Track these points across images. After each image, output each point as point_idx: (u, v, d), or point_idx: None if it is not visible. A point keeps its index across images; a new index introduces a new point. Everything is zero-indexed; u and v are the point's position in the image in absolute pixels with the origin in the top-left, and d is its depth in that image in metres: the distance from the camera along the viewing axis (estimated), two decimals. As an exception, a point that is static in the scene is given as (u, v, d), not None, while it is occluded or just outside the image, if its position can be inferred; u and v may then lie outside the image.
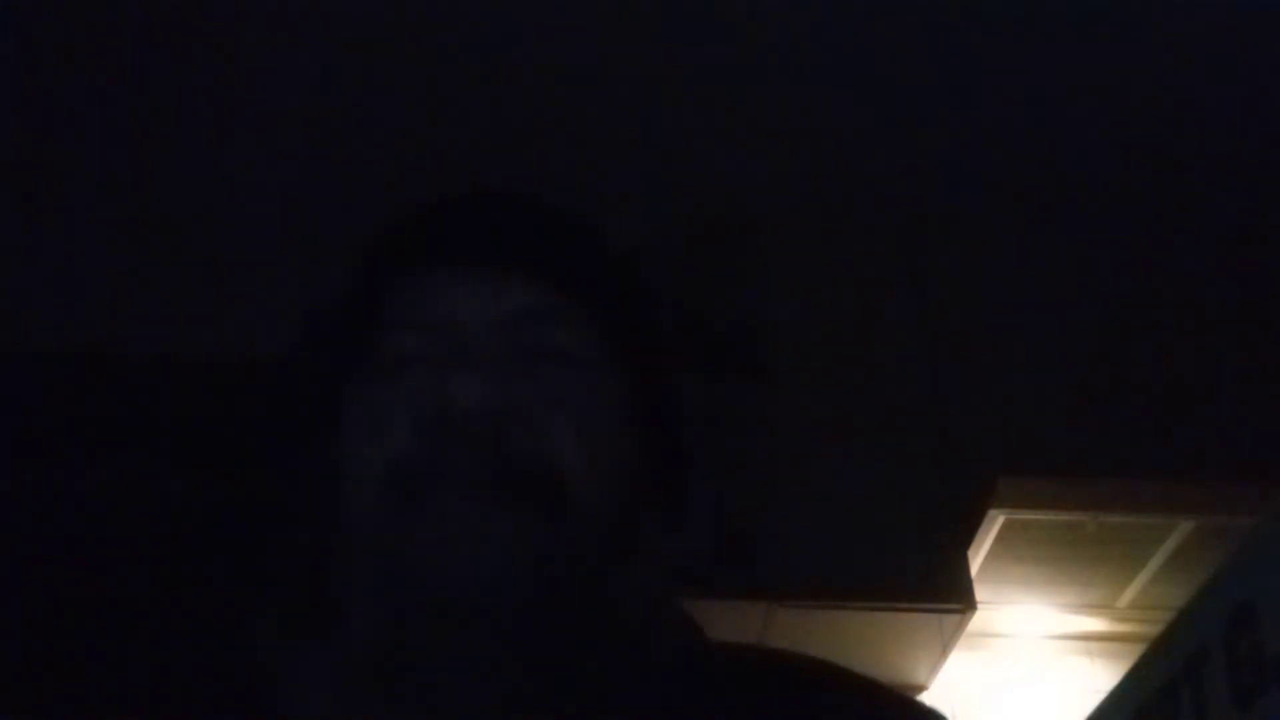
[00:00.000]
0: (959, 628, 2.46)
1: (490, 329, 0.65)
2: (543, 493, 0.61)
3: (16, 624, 1.93)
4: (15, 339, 2.45)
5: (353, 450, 0.64)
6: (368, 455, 0.63)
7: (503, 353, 0.64)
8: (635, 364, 0.69)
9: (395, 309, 0.67)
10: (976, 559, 2.57)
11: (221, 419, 2.39)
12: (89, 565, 2.14)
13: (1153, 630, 1.99)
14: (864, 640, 2.47)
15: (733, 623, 2.18)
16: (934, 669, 2.58)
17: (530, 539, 0.60)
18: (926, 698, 2.61)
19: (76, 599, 2.06)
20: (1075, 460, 2.54)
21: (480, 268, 0.67)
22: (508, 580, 0.59)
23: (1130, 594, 2.68)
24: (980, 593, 2.49)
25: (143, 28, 2.51)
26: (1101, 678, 2.55)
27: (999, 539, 2.54)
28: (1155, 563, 2.58)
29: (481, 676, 0.59)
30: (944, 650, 2.51)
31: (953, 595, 2.43)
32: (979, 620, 2.49)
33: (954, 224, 2.95)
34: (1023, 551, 2.58)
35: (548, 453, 0.62)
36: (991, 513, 2.48)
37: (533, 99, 2.68)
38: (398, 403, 0.63)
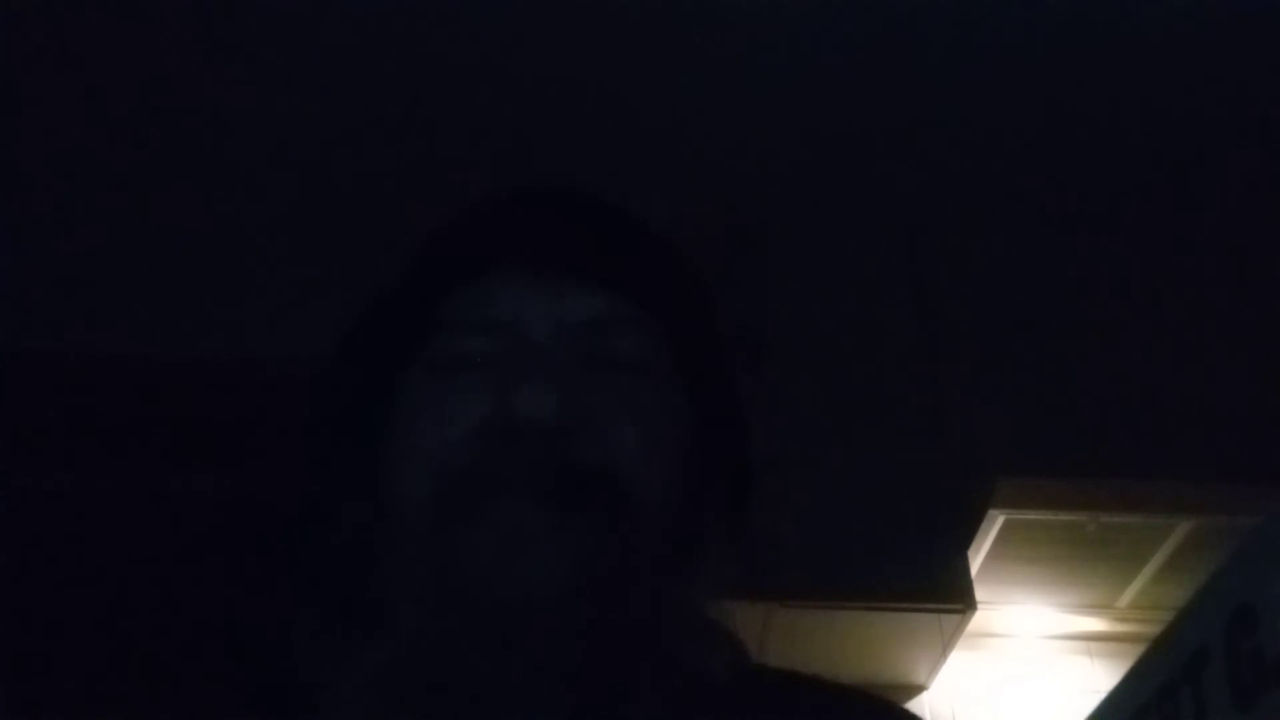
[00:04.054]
0: (959, 628, 2.47)
1: (557, 335, 0.64)
2: (604, 502, 0.60)
3: (21, 626, 1.93)
4: (15, 339, 2.45)
5: (408, 446, 0.63)
6: (425, 452, 0.62)
7: (569, 362, 0.63)
8: (699, 374, 0.68)
9: (458, 306, 0.66)
10: (976, 559, 2.57)
11: (221, 419, 2.39)
12: (87, 568, 2.14)
13: (1153, 630, 1.99)
14: (864, 640, 2.47)
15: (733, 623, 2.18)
16: (934, 669, 2.58)
17: (589, 548, 0.58)
18: (926, 698, 2.61)
19: (81, 603, 2.05)
20: (1075, 460, 2.54)
21: (548, 271, 0.65)
22: (564, 589, 0.57)
23: (1130, 594, 2.68)
24: (980, 593, 2.49)
25: (144, 26, 2.51)
26: (1101, 678, 2.56)
27: (999, 539, 2.54)
28: (1155, 563, 2.59)
29: (532, 686, 0.58)
30: (944, 650, 2.51)
31: (953, 595, 2.43)
32: (979, 620, 2.49)
33: (955, 225, 2.95)
34: (1023, 551, 2.59)
35: (611, 464, 0.61)
36: (991, 513, 2.48)
37: (532, 100, 2.68)
38: (459, 402, 0.62)
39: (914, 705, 2.57)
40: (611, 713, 0.58)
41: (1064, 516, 2.50)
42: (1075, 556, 2.59)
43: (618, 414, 0.62)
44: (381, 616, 0.60)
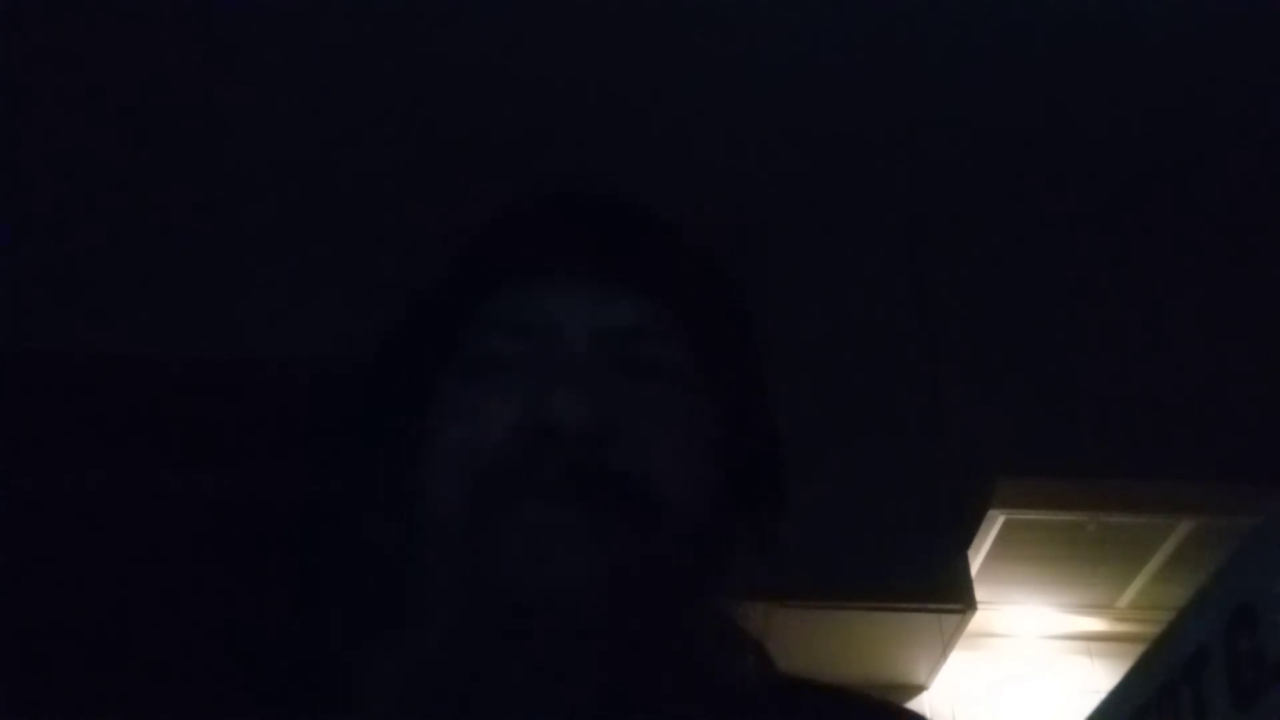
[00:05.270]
0: (959, 628, 2.47)
1: (592, 341, 0.64)
2: (633, 507, 0.60)
3: (21, 627, 1.93)
4: (15, 339, 2.45)
5: (441, 447, 0.63)
6: (458, 453, 0.62)
7: (604, 368, 0.63)
8: (732, 384, 0.69)
9: (493, 309, 0.66)
10: (976, 559, 2.57)
11: (221, 419, 2.39)
12: (87, 569, 2.14)
13: (1153, 630, 1.99)
14: (864, 640, 2.47)
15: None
16: (934, 669, 2.58)
17: (618, 550, 0.59)
18: (926, 698, 2.61)
19: (83, 605, 2.05)
20: (1075, 460, 2.54)
21: (584, 275, 0.66)
22: (591, 592, 0.58)
23: (1130, 594, 2.68)
24: (980, 593, 2.49)
25: (144, 26, 2.51)
26: (1101, 678, 2.56)
27: (999, 539, 2.54)
28: (1155, 563, 2.59)
29: (557, 687, 0.58)
30: (944, 650, 2.51)
31: (953, 595, 2.43)
32: (979, 620, 2.49)
33: (954, 225, 2.95)
34: (1023, 551, 2.59)
35: (641, 469, 0.61)
36: (991, 513, 2.48)
37: (532, 100, 2.68)
38: (493, 404, 0.63)
39: (914, 705, 2.56)
40: (634, 715, 0.59)
41: (1064, 516, 2.50)
42: (1075, 556, 2.59)
43: (649, 421, 0.63)
44: (411, 616, 0.61)
